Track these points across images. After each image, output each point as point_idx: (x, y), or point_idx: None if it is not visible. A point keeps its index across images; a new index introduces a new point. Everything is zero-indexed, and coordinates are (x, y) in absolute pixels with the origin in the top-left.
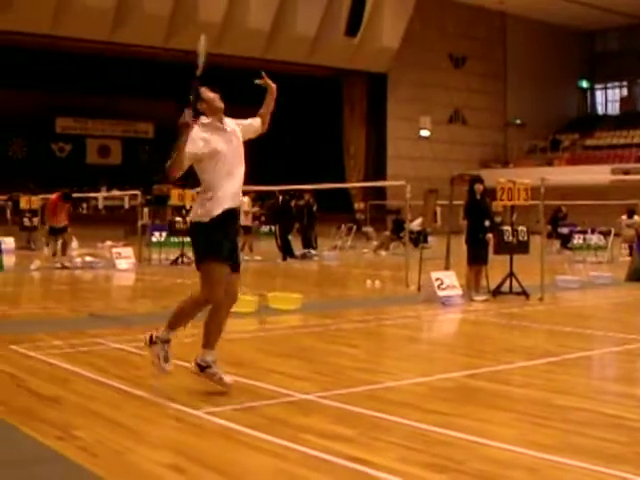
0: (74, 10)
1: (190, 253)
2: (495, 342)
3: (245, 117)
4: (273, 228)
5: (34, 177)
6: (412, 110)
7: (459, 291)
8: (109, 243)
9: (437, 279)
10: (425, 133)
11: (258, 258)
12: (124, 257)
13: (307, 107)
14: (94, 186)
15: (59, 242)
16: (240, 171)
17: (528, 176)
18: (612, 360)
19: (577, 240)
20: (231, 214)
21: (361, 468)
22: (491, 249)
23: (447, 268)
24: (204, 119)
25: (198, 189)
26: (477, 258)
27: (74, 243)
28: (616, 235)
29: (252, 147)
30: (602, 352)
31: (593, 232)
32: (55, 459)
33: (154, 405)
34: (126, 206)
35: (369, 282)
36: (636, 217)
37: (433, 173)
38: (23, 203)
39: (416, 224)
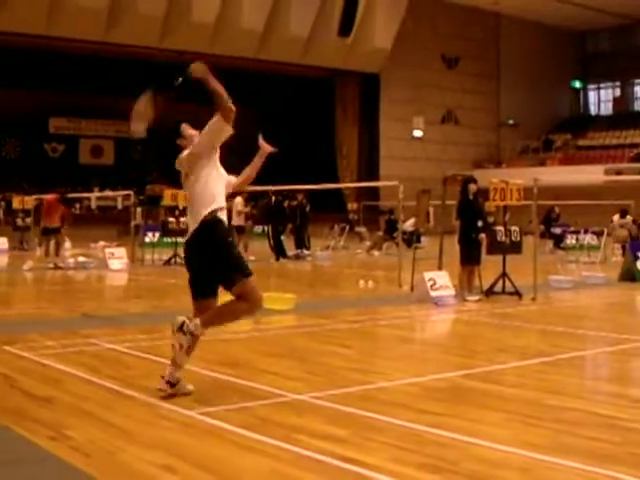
0: (68, 10)
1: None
2: (488, 342)
3: (237, 114)
4: (266, 228)
5: (27, 177)
6: (405, 110)
7: (452, 291)
8: (102, 243)
9: (430, 279)
10: (418, 133)
11: (252, 258)
12: (117, 257)
13: (300, 107)
14: (87, 186)
15: (52, 242)
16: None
17: (521, 176)
18: (605, 360)
19: (570, 240)
20: None
21: (354, 468)
22: (484, 249)
23: (440, 268)
24: None
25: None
26: (470, 258)
27: (67, 243)
28: (609, 235)
29: (245, 147)
30: (595, 352)
31: (586, 232)
32: (47, 459)
33: (146, 405)
34: (119, 206)
35: (362, 282)
36: (629, 217)
37: (426, 173)
38: (16, 203)
39: (409, 224)
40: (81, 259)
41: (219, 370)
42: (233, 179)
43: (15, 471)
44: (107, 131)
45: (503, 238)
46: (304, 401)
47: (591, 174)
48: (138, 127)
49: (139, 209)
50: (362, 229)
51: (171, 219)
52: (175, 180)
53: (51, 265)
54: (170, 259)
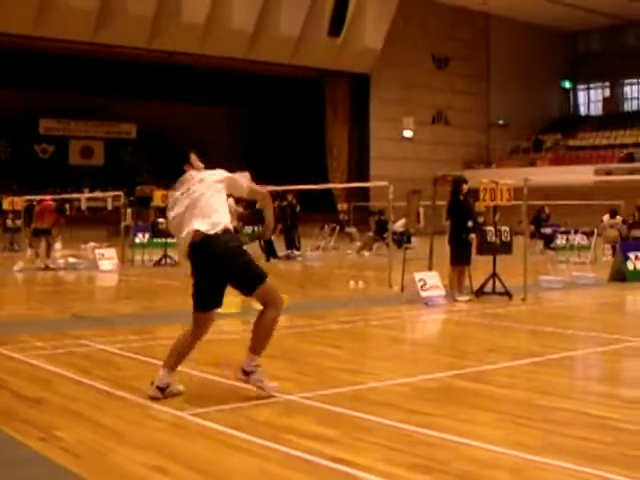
0: (57, 11)
1: (173, 254)
2: (478, 342)
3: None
4: (256, 229)
5: (17, 178)
6: (395, 111)
7: (442, 292)
8: (92, 244)
9: (420, 280)
10: (408, 134)
11: None
12: (107, 258)
13: (290, 108)
14: (77, 187)
15: (42, 243)
16: None
17: (511, 176)
18: (595, 360)
19: (560, 240)
20: None
21: (344, 469)
22: (474, 249)
23: (430, 269)
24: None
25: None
26: (460, 258)
27: (57, 244)
28: (599, 235)
29: (236, 148)
30: (585, 352)
31: (576, 232)
32: (37, 460)
33: (137, 406)
34: (109, 207)
35: (352, 283)
36: (618, 217)
37: (416, 174)
38: (6, 204)
39: (399, 225)
40: (71, 260)
41: (210, 371)
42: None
43: (4, 472)
44: (97, 132)
45: (493, 238)
46: (294, 401)
47: (581, 174)
48: None
49: (129, 210)
50: (352, 229)
51: (161, 220)
52: (165, 181)
53: (41, 266)
54: (160, 260)
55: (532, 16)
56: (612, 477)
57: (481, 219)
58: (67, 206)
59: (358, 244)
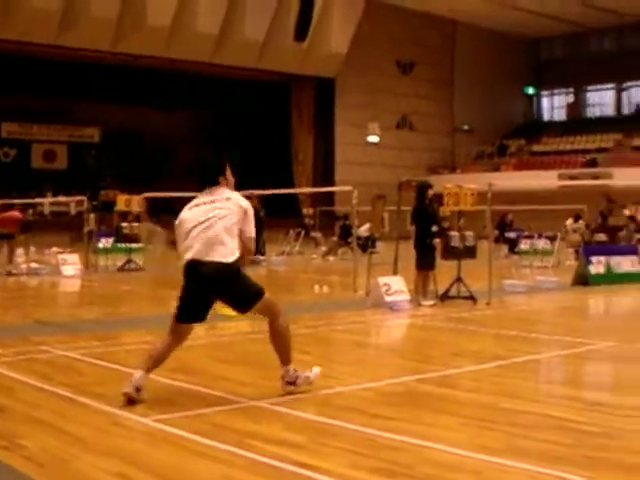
0: (20, 13)
1: (137, 259)
2: (443, 347)
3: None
4: None
5: None
6: (360, 116)
7: (407, 296)
8: (55, 249)
9: (385, 284)
10: (373, 139)
11: None
12: (70, 263)
13: (255, 112)
14: (39, 191)
15: (4, 249)
16: None
17: (475, 181)
18: (559, 364)
19: (524, 245)
20: None
21: (309, 474)
22: (439, 254)
23: (395, 273)
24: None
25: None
26: (425, 263)
27: (19, 250)
28: (562, 240)
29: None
30: (549, 356)
31: (540, 237)
32: (1, 469)
33: (101, 412)
34: (72, 212)
35: (317, 287)
36: (581, 222)
37: (381, 179)
38: None
39: (364, 229)
40: (34, 265)
41: (174, 377)
42: None
43: None
44: (60, 136)
45: (458, 243)
46: (259, 407)
47: (545, 179)
48: None
49: (92, 215)
50: (317, 234)
51: (125, 225)
52: (128, 185)
53: (3, 272)
54: (124, 265)
55: (496, 23)
56: (573, 478)
57: (446, 224)
58: (30, 211)
59: (323, 249)
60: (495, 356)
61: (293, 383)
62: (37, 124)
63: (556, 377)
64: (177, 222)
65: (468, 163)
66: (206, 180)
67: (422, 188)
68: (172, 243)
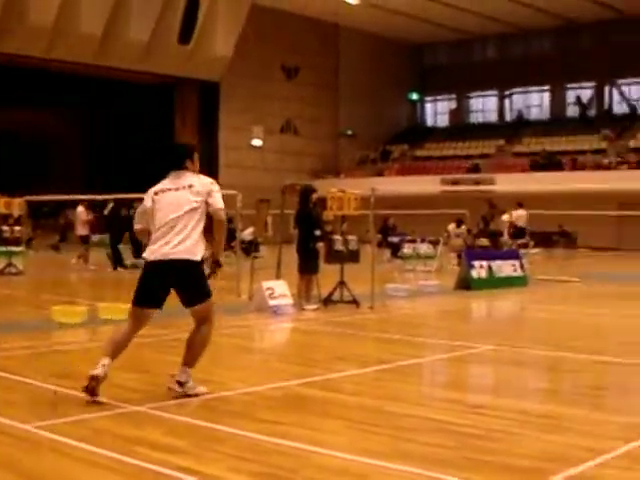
0: None
1: (18, 263)
2: (327, 350)
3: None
4: (104, 237)
5: None
6: (244, 119)
7: (290, 300)
8: None
9: (268, 288)
10: (257, 143)
11: (92, 268)
12: None
13: (140, 114)
14: None
15: None
16: None
17: (359, 186)
18: (441, 367)
19: (407, 249)
20: None
21: (193, 479)
22: (322, 258)
23: (278, 277)
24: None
25: (194, 230)
26: (308, 267)
27: None
28: (445, 244)
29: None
30: (432, 359)
31: (423, 241)
32: None
33: None
34: None
35: None
36: (464, 227)
37: (265, 183)
38: None
39: (247, 233)
40: None
41: (56, 382)
42: None
43: None
44: None
45: (341, 247)
46: (144, 412)
47: (428, 184)
48: None
49: None
50: None
51: (6, 228)
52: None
53: None
54: (4, 268)
55: (380, 28)
56: None
57: (329, 228)
58: None
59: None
60: (378, 360)
61: (182, 385)
62: None
63: (439, 380)
64: (141, 207)
65: (352, 168)
66: (173, 164)
67: (306, 192)
68: (53, 247)
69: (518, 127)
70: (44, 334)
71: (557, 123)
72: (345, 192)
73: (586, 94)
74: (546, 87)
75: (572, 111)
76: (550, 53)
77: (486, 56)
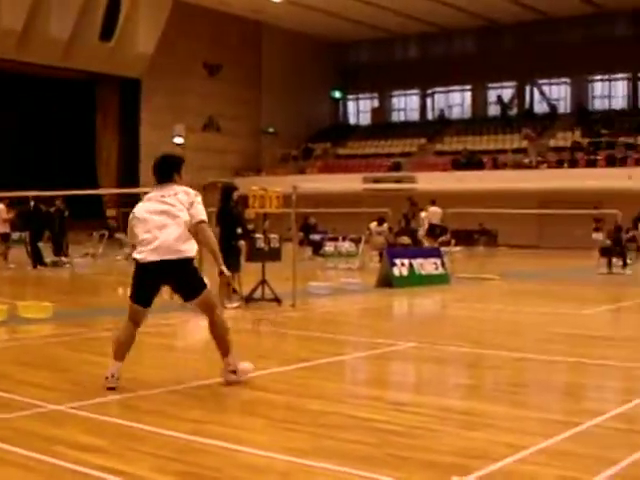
0: None
1: None
2: (249, 349)
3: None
4: (23, 235)
5: None
6: (166, 117)
7: None
8: None
9: None
10: (179, 140)
11: (12, 266)
12: None
13: (60, 111)
14: None
15: None
16: None
17: (281, 184)
18: (363, 364)
19: (328, 247)
20: None
21: (113, 478)
22: (243, 256)
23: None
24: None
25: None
26: (230, 265)
27: None
28: (366, 242)
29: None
30: (354, 357)
31: (344, 239)
32: None
33: None
34: None
35: (121, 290)
36: (385, 225)
37: (186, 180)
38: None
39: None
40: None
41: None
42: None
43: None
44: None
45: (262, 245)
46: (63, 411)
47: (350, 182)
48: None
49: None
50: (122, 236)
51: None
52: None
53: None
54: None
55: (303, 26)
56: (378, 477)
57: (251, 226)
58: None
59: (127, 250)
60: (300, 358)
61: (236, 372)
62: None
63: (360, 378)
64: (131, 216)
65: (274, 165)
66: (163, 176)
67: (227, 190)
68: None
69: (440, 126)
70: None
71: (478, 122)
72: (267, 190)
73: (507, 94)
74: (468, 86)
75: (493, 110)
76: (472, 53)
77: (408, 55)
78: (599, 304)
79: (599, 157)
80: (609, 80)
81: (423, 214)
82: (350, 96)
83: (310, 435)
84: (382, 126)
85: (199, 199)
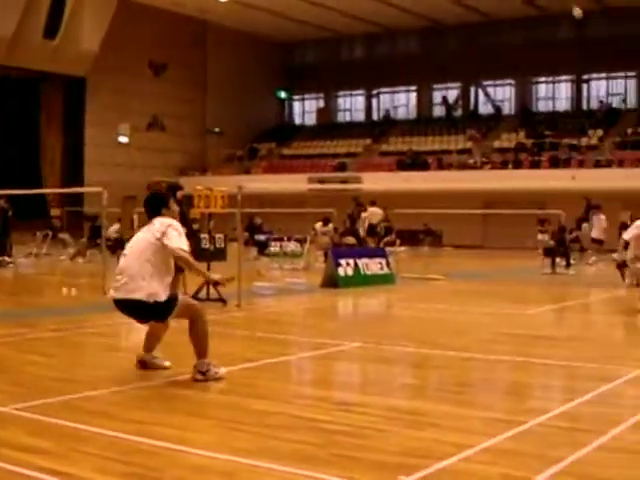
0: None
1: None
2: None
3: None
4: None
5: None
6: (111, 116)
7: None
8: None
9: None
10: (123, 139)
11: None
12: None
13: (3, 110)
14: None
15: None
16: None
17: (226, 184)
18: (309, 364)
19: (274, 247)
20: None
21: None
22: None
23: None
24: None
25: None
26: (175, 266)
27: None
28: (311, 242)
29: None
30: (299, 357)
31: (290, 239)
32: None
33: None
34: None
35: (65, 290)
36: (330, 225)
37: (131, 180)
38: None
39: (113, 231)
40: None
41: None
42: None
43: None
44: None
45: (208, 245)
46: (5, 413)
47: (295, 182)
48: None
49: None
50: (66, 236)
51: None
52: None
53: None
54: None
55: (248, 25)
56: (323, 477)
57: (196, 226)
58: None
59: (72, 250)
60: (246, 358)
61: (204, 373)
62: None
63: (306, 378)
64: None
65: (219, 165)
66: (150, 212)
67: (172, 190)
68: None
69: (385, 126)
70: None
71: (423, 123)
72: (212, 190)
73: (452, 94)
74: (413, 87)
75: (438, 111)
76: (417, 54)
77: (354, 56)
78: (543, 304)
79: (543, 158)
80: (553, 82)
81: (363, 214)
82: (296, 96)
83: (255, 435)
84: (327, 126)
85: (173, 229)
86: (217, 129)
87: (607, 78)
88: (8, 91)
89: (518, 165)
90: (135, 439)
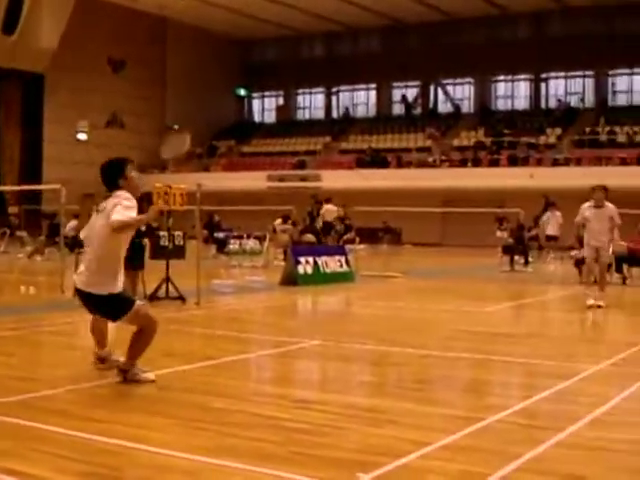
0: None
1: None
2: (153, 347)
3: None
4: None
5: None
6: (70, 113)
7: None
8: None
9: None
10: (82, 137)
11: None
12: None
13: None
14: None
15: None
16: None
17: (185, 181)
18: (268, 362)
19: (233, 245)
20: None
21: None
22: (147, 254)
23: None
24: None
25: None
26: (133, 263)
27: None
28: (271, 240)
29: None
30: (259, 355)
31: (249, 237)
32: None
33: None
34: None
35: (23, 288)
36: (290, 222)
37: (90, 177)
38: None
39: (71, 228)
40: None
41: None
42: None
43: None
44: None
45: (166, 243)
46: None
47: (254, 180)
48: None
49: None
50: (23, 234)
51: None
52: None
53: None
54: None
55: (208, 23)
56: (283, 475)
57: (155, 223)
58: None
59: (29, 248)
60: (205, 356)
61: (124, 373)
62: None
63: (265, 376)
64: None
65: (178, 163)
66: (107, 185)
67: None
68: None
69: (345, 124)
70: None
71: (383, 121)
72: (171, 187)
73: (412, 93)
74: (372, 85)
75: (398, 109)
76: (377, 52)
77: (314, 54)
78: (501, 301)
79: (502, 156)
80: (512, 81)
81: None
82: (255, 94)
83: (215, 433)
84: (287, 124)
85: (121, 199)
86: (176, 126)
87: (565, 77)
88: None
89: (477, 163)
90: (95, 438)
